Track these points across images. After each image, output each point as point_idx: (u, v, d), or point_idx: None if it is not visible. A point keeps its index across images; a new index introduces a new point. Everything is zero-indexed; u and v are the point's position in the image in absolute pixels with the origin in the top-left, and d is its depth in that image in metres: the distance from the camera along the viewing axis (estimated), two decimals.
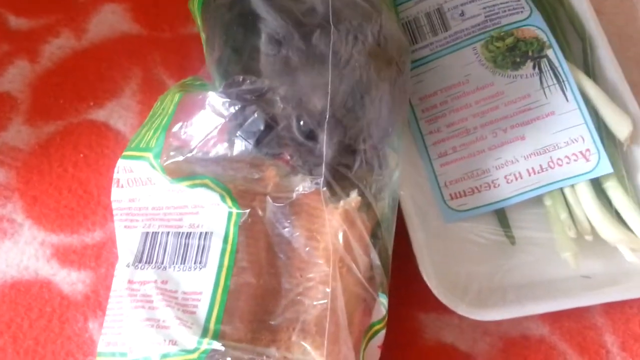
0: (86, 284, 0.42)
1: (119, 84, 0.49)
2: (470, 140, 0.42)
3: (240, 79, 0.34)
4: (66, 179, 0.45)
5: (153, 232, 0.35)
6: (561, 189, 0.40)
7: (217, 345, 0.30)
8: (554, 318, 0.39)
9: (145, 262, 0.34)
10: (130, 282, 0.34)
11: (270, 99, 0.34)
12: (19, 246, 0.43)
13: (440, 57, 0.44)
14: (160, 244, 0.35)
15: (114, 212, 0.37)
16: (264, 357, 0.30)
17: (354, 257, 0.32)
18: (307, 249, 0.32)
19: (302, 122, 0.33)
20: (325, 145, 0.33)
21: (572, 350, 0.39)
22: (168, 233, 0.35)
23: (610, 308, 0.39)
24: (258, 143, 0.34)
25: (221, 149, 0.35)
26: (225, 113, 0.34)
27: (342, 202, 0.33)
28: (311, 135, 0.33)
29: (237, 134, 0.34)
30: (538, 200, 0.41)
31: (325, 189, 0.32)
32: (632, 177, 0.41)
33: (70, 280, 0.42)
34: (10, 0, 0.53)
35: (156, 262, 0.34)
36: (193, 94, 0.36)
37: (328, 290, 0.31)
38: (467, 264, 0.39)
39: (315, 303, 0.31)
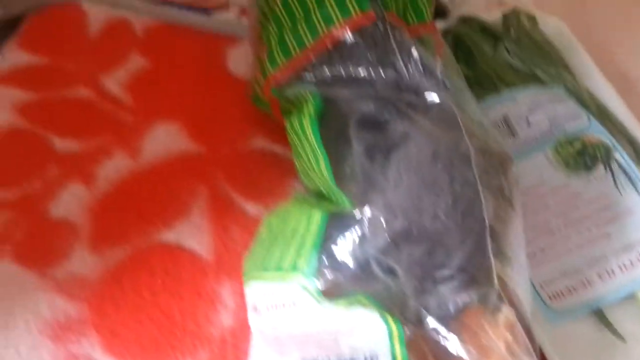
0: None
1: (185, 203, 0.48)
2: (556, 240, 0.44)
3: (404, 201, 0.34)
4: (145, 307, 0.43)
5: (313, 359, 0.33)
6: None
7: None
8: None
9: None
10: None
11: (435, 218, 0.34)
12: None
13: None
14: None
15: (257, 337, 0.35)
16: None
17: None
18: None
19: (468, 237, 0.34)
20: (491, 257, 0.33)
21: None
22: (329, 358, 0.33)
23: None
24: (422, 259, 0.34)
25: (385, 267, 0.34)
26: (390, 230, 0.34)
27: (502, 317, 0.33)
28: (475, 247, 0.34)
29: (402, 251, 0.34)
30: (629, 297, 0.43)
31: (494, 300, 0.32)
32: None
33: None
34: (53, 122, 0.52)
35: None
36: (340, 212, 0.36)
37: None
38: None
39: None
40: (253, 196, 0.49)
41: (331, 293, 0.34)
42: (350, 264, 0.34)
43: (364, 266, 0.34)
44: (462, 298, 0.33)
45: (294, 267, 0.35)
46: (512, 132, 0.47)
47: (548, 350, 0.38)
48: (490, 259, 0.33)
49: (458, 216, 0.34)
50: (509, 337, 0.32)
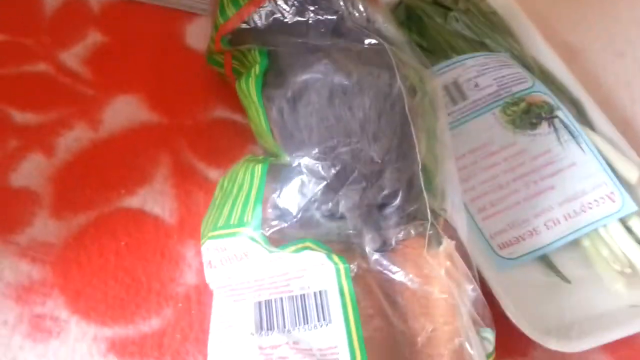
0: None
1: (148, 170, 0.49)
2: (505, 194, 0.46)
3: (335, 142, 0.36)
4: (109, 269, 0.43)
5: (266, 300, 0.35)
6: (596, 229, 0.45)
7: None
8: (614, 348, 0.43)
9: (268, 329, 0.33)
10: (261, 347, 0.33)
11: (367, 157, 0.36)
12: (69, 344, 0.40)
13: (463, 123, 0.48)
14: (277, 310, 0.34)
15: (215, 292, 0.37)
16: None
17: (467, 295, 0.34)
18: (426, 293, 0.34)
19: (401, 174, 0.35)
20: (424, 193, 0.35)
21: None
22: (281, 299, 0.34)
23: None
24: (362, 199, 0.35)
25: (325, 210, 0.36)
26: (325, 175, 0.36)
27: (442, 248, 0.35)
28: (409, 185, 0.36)
29: (340, 194, 0.36)
30: (574, 243, 0.45)
31: (430, 232, 0.34)
32: None
33: None
34: (12, 96, 0.52)
35: (279, 327, 0.33)
36: (279, 163, 0.38)
37: (459, 339, 0.32)
38: (534, 306, 0.42)
39: (447, 343, 0.32)
40: (215, 163, 0.50)
41: (278, 241, 0.35)
42: (294, 211, 0.36)
43: (306, 213, 0.35)
44: (401, 232, 0.35)
45: (242, 221, 0.36)
46: (462, 96, 0.49)
47: (499, 294, 0.40)
48: (424, 194, 0.35)
49: (392, 157, 0.36)
50: (449, 265, 0.34)
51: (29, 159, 0.48)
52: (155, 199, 0.47)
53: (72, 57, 0.56)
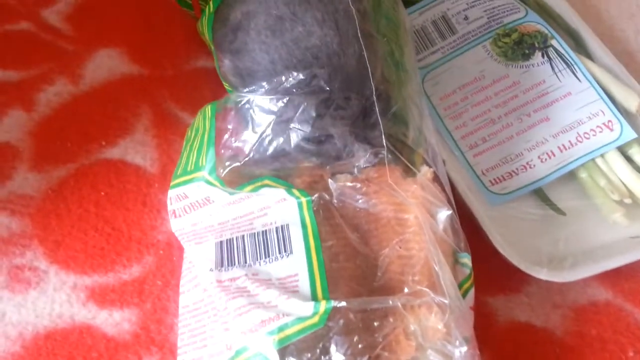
0: (132, 322, 0.38)
1: (129, 121, 0.48)
2: (497, 128, 0.44)
3: (283, 75, 0.35)
4: (89, 219, 0.42)
5: (227, 239, 0.34)
6: (593, 160, 0.42)
7: (338, 303, 0.28)
8: (614, 282, 0.40)
9: (229, 265, 0.32)
10: (219, 281, 0.32)
11: (316, 86, 0.34)
12: (48, 294, 0.39)
13: (453, 58, 0.46)
14: (238, 247, 0.33)
15: (179, 238, 0.36)
16: (389, 302, 0.28)
17: (439, 220, 0.32)
18: (401, 221, 0.32)
19: (352, 101, 0.34)
20: (379, 118, 0.33)
21: (638, 309, 0.40)
22: (243, 236, 0.33)
23: None
24: (314, 130, 0.34)
25: (278, 145, 0.35)
26: (275, 109, 0.34)
27: (419, 175, 0.33)
28: (363, 112, 0.34)
29: (291, 126, 0.34)
30: (569, 175, 0.43)
31: (389, 156, 0.33)
32: None
33: (114, 321, 0.38)
34: None
35: (239, 262, 0.32)
36: (227, 103, 0.36)
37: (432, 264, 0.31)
38: (527, 239, 0.40)
39: (422, 268, 0.31)
40: (197, 111, 0.48)
41: (234, 182, 0.34)
42: (246, 150, 0.34)
43: (259, 149, 0.34)
44: (361, 159, 0.33)
45: (197, 166, 0.35)
46: (451, 30, 0.47)
47: (488, 228, 0.39)
48: (378, 120, 0.34)
49: (343, 84, 0.34)
50: (416, 189, 0.32)
51: (10, 114, 0.48)
52: (136, 149, 0.46)
53: (54, 14, 0.55)
